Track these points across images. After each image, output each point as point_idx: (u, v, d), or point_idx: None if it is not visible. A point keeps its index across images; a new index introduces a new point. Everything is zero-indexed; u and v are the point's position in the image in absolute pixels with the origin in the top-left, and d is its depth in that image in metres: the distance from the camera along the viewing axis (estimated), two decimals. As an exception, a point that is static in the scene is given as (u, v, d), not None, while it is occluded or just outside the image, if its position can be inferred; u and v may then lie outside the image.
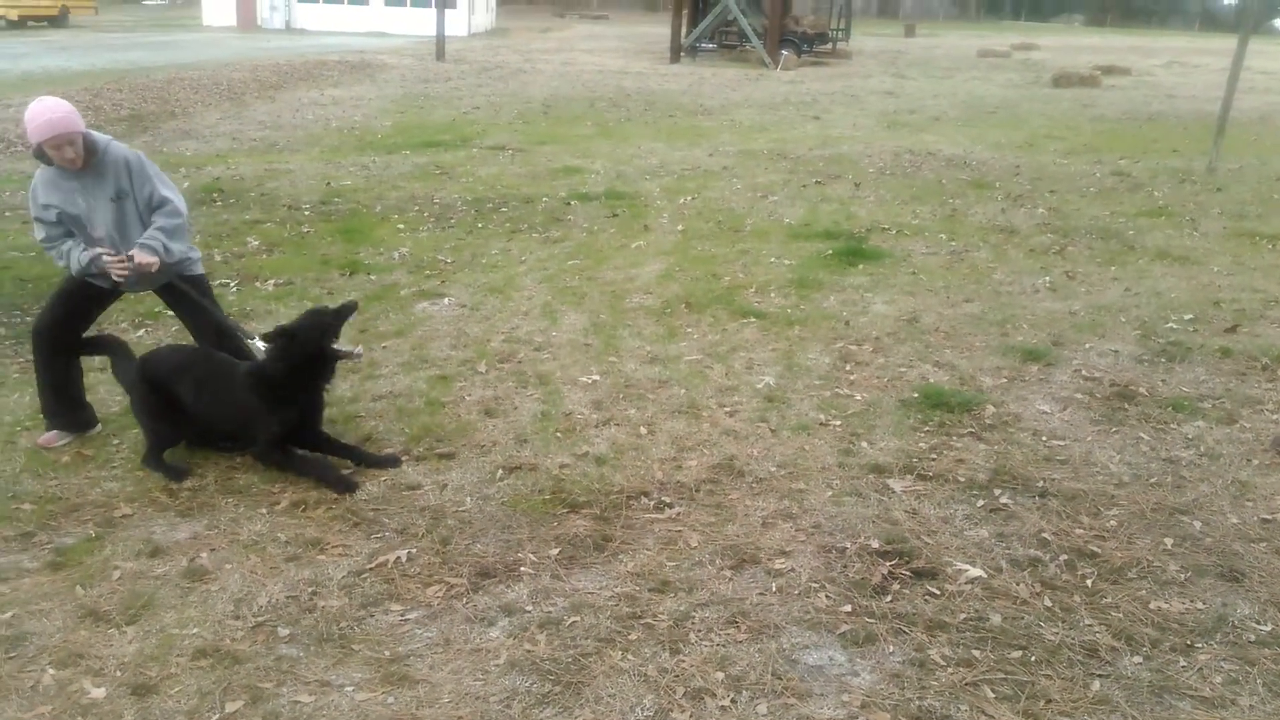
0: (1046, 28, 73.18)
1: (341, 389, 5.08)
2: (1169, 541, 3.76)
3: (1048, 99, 21.34)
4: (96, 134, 4.19)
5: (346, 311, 4.35)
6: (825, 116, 17.72)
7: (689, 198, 10.22)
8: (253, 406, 4.20)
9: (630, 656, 3.08)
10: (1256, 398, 5.15)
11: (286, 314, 6.15)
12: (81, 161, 4.12)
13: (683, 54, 32.18)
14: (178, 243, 4.32)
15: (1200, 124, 16.14)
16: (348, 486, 4.11)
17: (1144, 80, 26.87)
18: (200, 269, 4.66)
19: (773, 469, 4.33)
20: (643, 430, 4.70)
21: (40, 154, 4.09)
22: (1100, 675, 3.01)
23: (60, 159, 4.07)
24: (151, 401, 4.29)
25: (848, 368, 5.50)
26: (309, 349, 4.17)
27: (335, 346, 4.24)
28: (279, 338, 4.18)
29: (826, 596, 3.40)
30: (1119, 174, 11.85)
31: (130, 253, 4.20)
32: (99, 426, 4.63)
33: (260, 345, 4.27)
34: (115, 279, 4.26)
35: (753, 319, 6.29)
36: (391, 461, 4.36)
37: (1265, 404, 5.07)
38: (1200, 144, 13.42)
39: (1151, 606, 3.35)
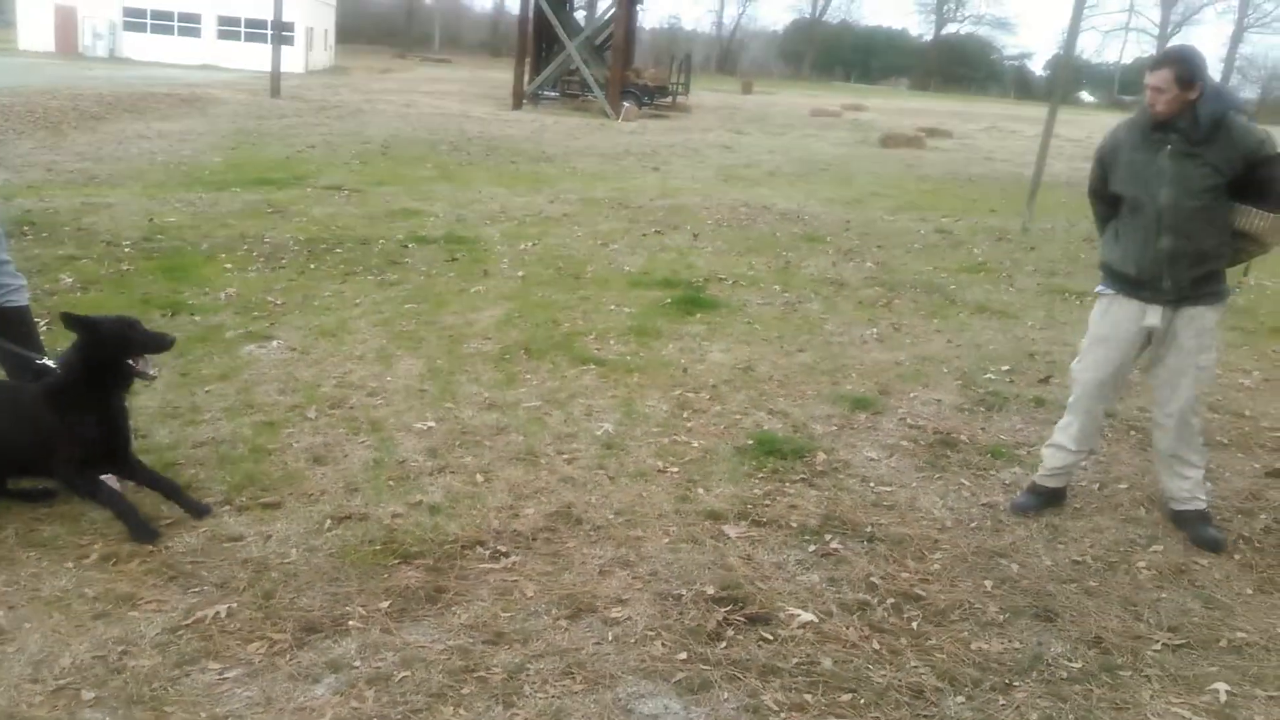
0: (874, 90, 76.82)
1: (160, 435, 4.83)
2: (989, 584, 3.91)
3: (876, 158, 22.32)
4: None
5: (160, 344, 4.11)
6: (665, 168, 18.06)
7: (530, 243, 10.21)
8: (49, 424, 3.86)
9: (463, 712, 2.99)
10: (1066, 445, 5.42)
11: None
12: None
13: (525, 101, 32.41)
14: None
15: (1016, 185, 17.13)
16: (149, 536, 3.85)
17: (965, 143, 28.44)
18: (22, 299, 4.37)
19: (610, 516, 4.32)
20: (479, 478, 4.62)
21: None
22: (926, 716, 3.09)
23: None
24: None
25: (685, 415, 5.56)
26: (105, 353, 3.89)
27: (133, 362, 3.98)
28: (80, 326, 3.87)
29: (662, 644, 3.39)
30: (942, 231, 12.44)
31: None
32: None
33: (51, 364, 4.00)
34: None
35: (592, 365, 6.30)
36: (202, 510, 4.11)
37: (1074, 451, 5.35)
38: (1015, 204, 14.24)
39: (973, 647, 3.46)
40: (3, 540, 3.83)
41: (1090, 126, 39.10)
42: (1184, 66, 3.91)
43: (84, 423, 3.89)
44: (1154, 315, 4.20)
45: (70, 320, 3.89)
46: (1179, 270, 4.09)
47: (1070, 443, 4.53)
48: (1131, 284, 4.24)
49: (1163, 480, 4.52)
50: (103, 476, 4.03)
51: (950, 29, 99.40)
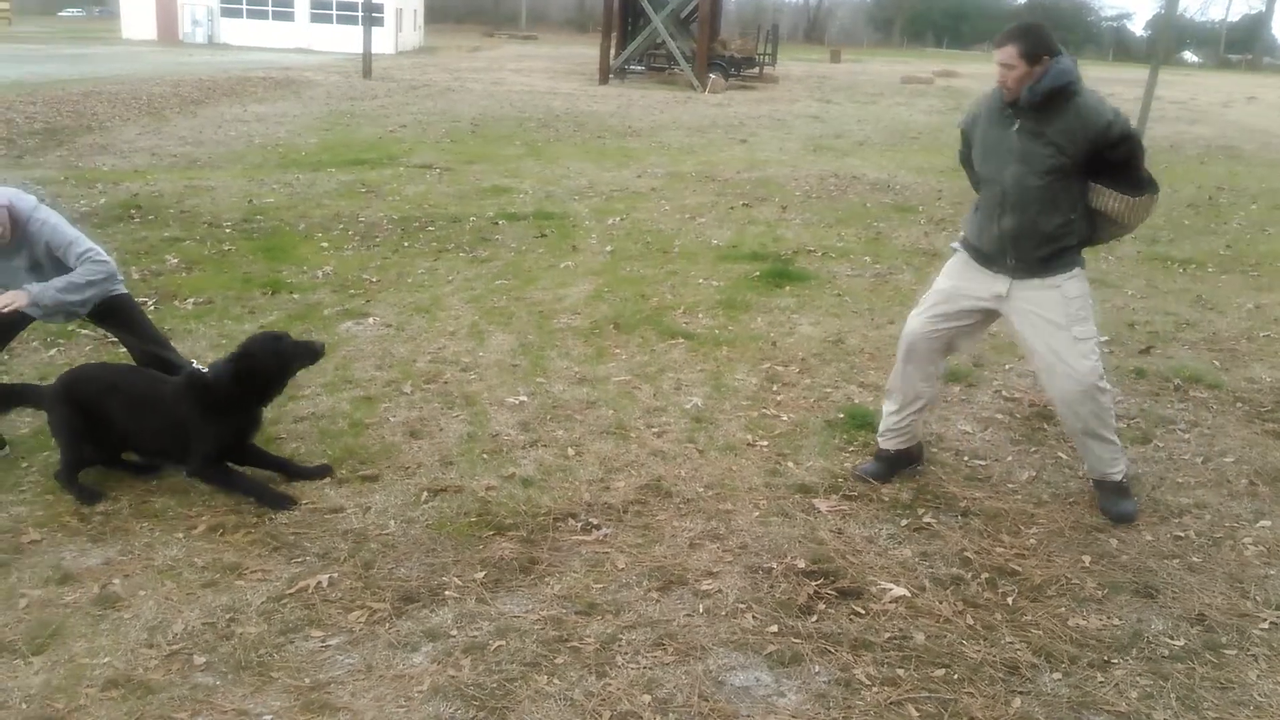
0: (967, 55, 74.98)
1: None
2: (1087, 559, 3.83)
3: (968, 125, 21.80)
4: (19, 204, 4.09)
5: (311, 356, 4.30)
6: (752, 140, 17.92)
7: (617, 218, 10.24)
8: (187, 419, 4.08)
9: (556, 681, 3.05)
10: (1169, 417, 5.29)
11: (206, 333, 6.04)
12: (9, 237, 4.06)
13: (611, 75, 32.37)
14: (76, 294, 4.23)
15: (1114, 151, 16.58)
16: (285, 503, 4.06)
17: (1060, 108, 27.58)
18: (120, 288, 4.55)
19: (700, 490, 4.33)
20: (570, 451, 4.68)
21: None
22: (1021, 692, 3.05)
23: None
24: (73, 421, 4.15)
25: (775, 388, 5.54)
26: (259, 377, 4.12)
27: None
28: (240, 358, 4.11)
29: (753, 617, 3.40)
30: (1037, 199, 12.12)
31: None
32: (6, 450, 4.47)
33: (197, 366, 4.23)
34: None
35: (681, 340, 6.31)
36: (322, 472, 4.32)
37: (1177, 424, 5.21)
38: (1114, 170, 13.80)
39: (1070, 623, 3.41)
40: (117, 512, 4.00)
41: (1194, 88, 37.76)
42: (1029, 41, 3.74)
43: (224, 426, 4.12)
44: (1002, 284, 4.05)
45: (234, 358, 4.12)
46: (1022, 249, 3.95)
47: (894, 397, 4.40)
48: (982, 256, 4.11)
49: (1080, 452, 4.34)
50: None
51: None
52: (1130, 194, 3.82)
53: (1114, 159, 3.78)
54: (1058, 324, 3.95)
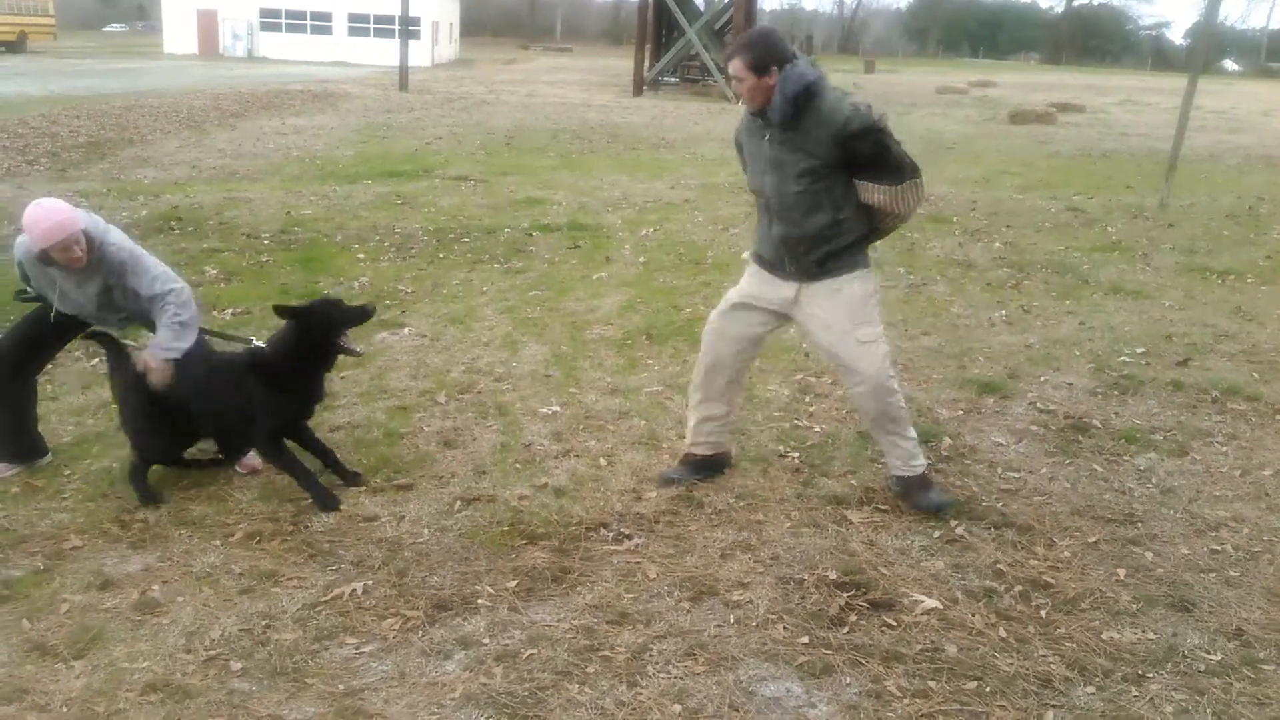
0: (1003, 65, 74.55)
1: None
2: (1121, 572, 3.80)
3: (1004, 135, 21.71)
4: (94, 229, 4.11)
5: (363, 315, 4.36)
6: (786, 150, 17.87)
7: (651, 230, 10.27)
8: (254, 392, 4.19)
9: (588, 689, 3.06)
10: (1207, 430, 5.23)
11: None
12: (85, 259, 4.07)
13: (645, 87, 32.47)
14: (187, 338, 4.25)
15: (1153, 161, 16.47)
16: (331, 503, 4.15)
17: (1098, 118, 27.41)
18: None
19: (732, 500, 4.34)
20: (602, 461, 4.70)
21: (45, 259, 4.04)
22: (1054, 705, 3.03)
23: (68, 259, 4.03)
24: (149, 412, 4.23)
25: (807, 399, 5.54)
26: (316, 336, 4.20)
27: (340, 341, 4.29)
28: (290, 315, 4.20)
29: (784, 628, 3.41)
30: (1074, 210, 12.05)
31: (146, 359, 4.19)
32: (49, 456, 4.56)
33: (259, 344, 4.36)
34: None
35: (713, 350, 6.30)
36: (356, 479, 4.39)
37: (1215, 436, 5.16)
38: (1153, 181, 13.69)
39: (1104, 637, 3.38)
40: (157, 519, 4.07)
41: (1234, 97, 37.34)
42: (755, 53, 3.70)
43: (287, 396, 4.23)
44: (790, 290, 4.06)
45: (281, 310, 4.24)
46: (798, 254, 3.95)
47: (696, 403, 4.41)
48: (767, 264, 4.12)
49: (881, 449, 4.36)
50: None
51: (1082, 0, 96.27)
52: (892, 183, 3.82)
53: (863, 153, 3.77)
54: (842, 329, 3.98)
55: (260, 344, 4.37)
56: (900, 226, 4.15)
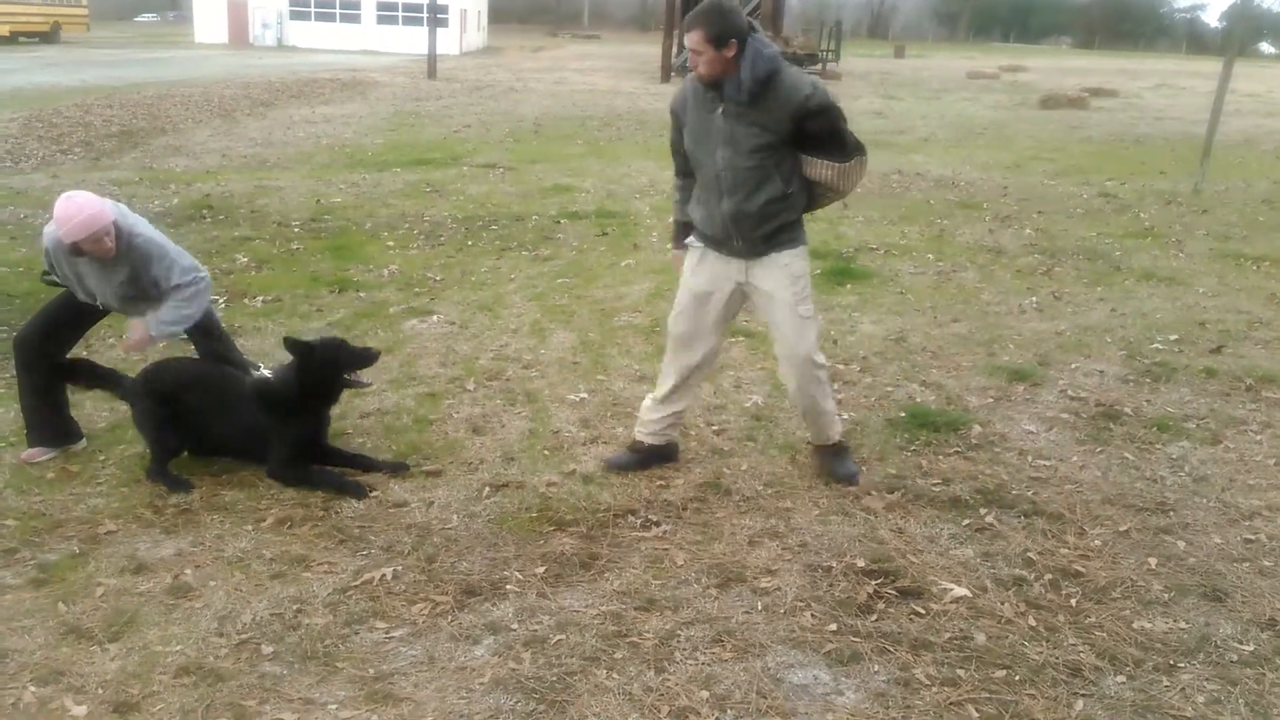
0: (1035, 49, 73.77)
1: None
2: (1153, 561, 3.77)
3: (1036, 120, 21.50)
4: (123, 220, 4.16)
5: (365, 360, 4.41)
6: (815, 136, 17.77)
7: (678, 216, 10.23)
8: (263, 422, 4.26)
9: (615, 675, 3.07)
10: (1240, 418, 5.17)
11: (275, 331, 6.16)
12: (115, 249, 4.12)
13: (673, 74, 32.31)
14: (186, 319, 4.36)
15: (1187, 146, 16.27)
16: (360, 491, 4.18)
17: (1131, 102, 27.10)
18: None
19: (760, 487, 4.34)
20: (630, 448, 4.70)
21: (76, 251, 4.09)
22: (1084, 695, 3.02)
23: (100, 251, 4.08)
24: (157, 414, 4.30)
25: (835, 387, 5.50)
26: (323, 372, 4.26)
27: (346, 376, 4.35)
28: (295, 351, 4.25)
29: (812, 615, 3.40)
30: (1106, 195, 11.93)
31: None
32: (84, 441, 4.61)
33: (265, 371, 4.41)
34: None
35: (741, 337, 6.30)
36: (398, 468, 4.43)
37: (1249, 424, 5.10)
38: (1186, 166, 13.53)
39: (1135, 626, 3.36)
40: (189, 504, 4.11)
41: (1271, 80, 36.80)
42: (714, 25, 3.67)
43: (294, 427, 4.27)
44: (737, 267, 4.07)
45: (289, 344, 4.31)
46: (745, 229, 3.96)
47: (660, 397, 4.41)
48: (713, 242, 4.12)
49: (806, 422, 4.43)
50: None
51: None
52: (839, 161, 3.86)
53: (816, 130, 3.80)
54: (787, 302, 4.04)
55: (267, 372, 4.43)
56: (834, 203, 4.26)
